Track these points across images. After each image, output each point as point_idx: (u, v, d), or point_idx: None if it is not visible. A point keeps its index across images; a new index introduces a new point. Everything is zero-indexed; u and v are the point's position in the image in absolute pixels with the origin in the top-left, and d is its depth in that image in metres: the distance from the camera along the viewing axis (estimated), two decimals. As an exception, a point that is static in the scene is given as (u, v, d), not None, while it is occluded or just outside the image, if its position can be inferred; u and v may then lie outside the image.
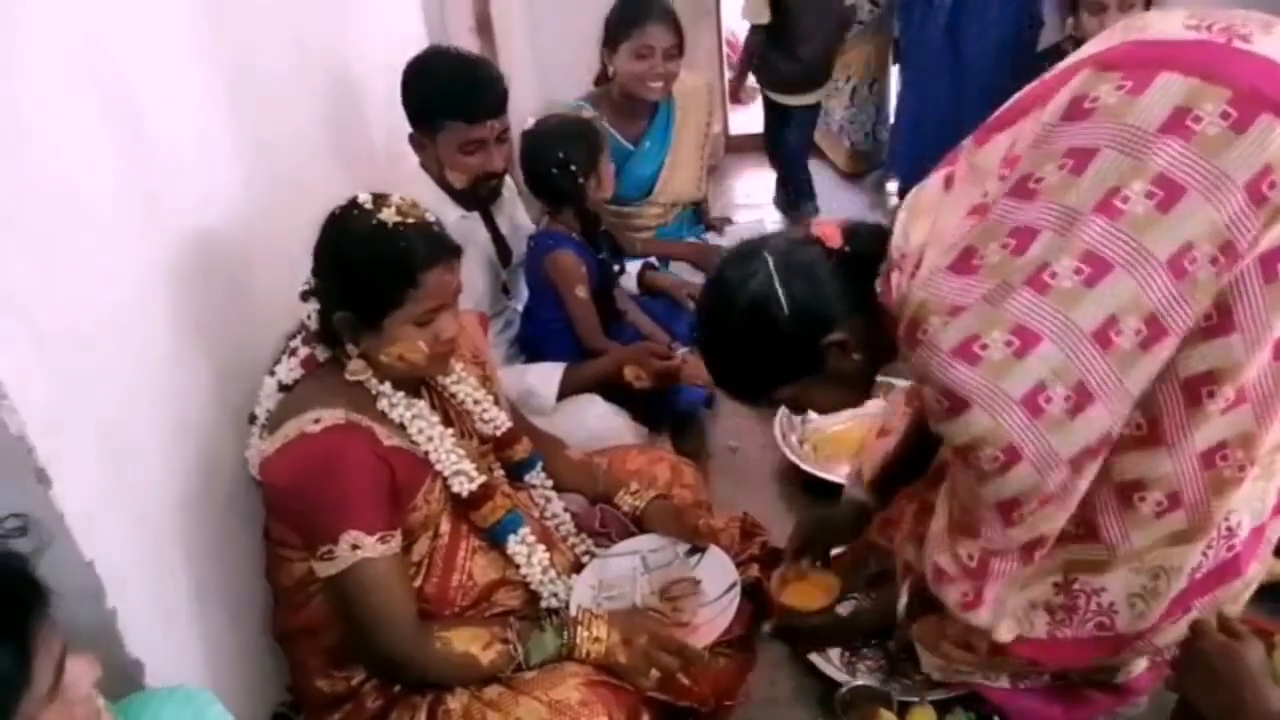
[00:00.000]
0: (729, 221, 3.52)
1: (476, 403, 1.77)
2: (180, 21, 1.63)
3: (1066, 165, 1.23)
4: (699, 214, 3.39)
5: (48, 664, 0.88)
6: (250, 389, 1.65)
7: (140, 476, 1.45)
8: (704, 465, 2.40)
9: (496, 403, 1.82)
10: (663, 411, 2.53)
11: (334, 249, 1.54)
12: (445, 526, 1.64)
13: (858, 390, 1.56)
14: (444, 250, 1.53)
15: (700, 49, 3.97)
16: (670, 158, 3.16)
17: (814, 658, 1.81)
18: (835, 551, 1.97)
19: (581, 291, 2.49)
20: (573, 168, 2.46)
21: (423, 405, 1.63)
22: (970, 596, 1.45)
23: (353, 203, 1.54)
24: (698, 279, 3.03)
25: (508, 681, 1.56)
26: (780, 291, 1.39)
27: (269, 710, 1.77)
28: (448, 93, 2.15)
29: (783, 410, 2.39)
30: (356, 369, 1.57)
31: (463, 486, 1.63)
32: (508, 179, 2.45)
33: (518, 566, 1.70)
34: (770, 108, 3.87)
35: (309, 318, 1.61)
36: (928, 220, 1.36)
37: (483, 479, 1.66)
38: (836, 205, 4.04)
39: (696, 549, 1.86)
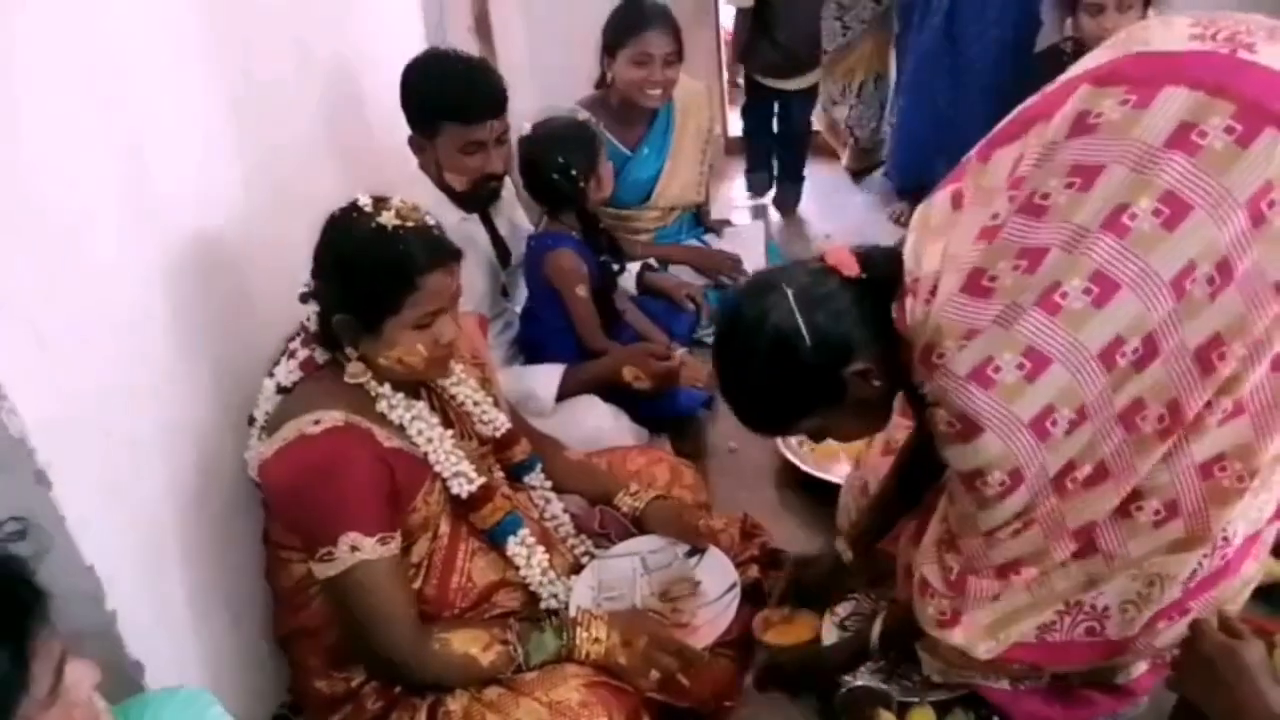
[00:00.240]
0: (728, 223, 3.52)
1: (476, 404, 1.77)
2: (180, 23, 1.63)
3: (1074, 183, 1.23)
4: (698, 216, 3.39)
5: (46, 667, 0.88)
6: (250, 391, 1.65)
7: (140, 478, 1.45)
8: (703, 466, 2.39)
9: (496, 404, 1.82)
10: (662, 412, 2.52)
11: (334, 252, 1.54)
12: (445, 528, 1.64)
13: (879, 417, 1.55)
14: (443, 254, 1.53)
15: (699, 51, 3.97)
16: (669, 163, 3.15)
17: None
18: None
19: (582, 291, 2.49)
20: (573, 172, 2.46)
21: (422, 407, 1.63)
22: (947, 615, 1.46)
23: (353, 205, 1.54)
24: (698, 280, 3.04)
25: (508, 683, 1.56)
26: (802, 324, 1.36)
27: (269, 712, 1.77)
28: (447, 94, 2.15)
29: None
30: (356, 371, 1.57)
31: (462, 488, 1.63)
32: (506, 180, 2.44)
33: (517, 568, 1.71)
34: (757, 92, 3.91)
35: (308, 320, 1.61)
36: (939, 244, 1.35)
37: (482, 480, 1.66)
38: (839, 205, 4.06)
39: (696, 550, 1.86)
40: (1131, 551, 1.37)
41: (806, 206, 4.09)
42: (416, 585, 1.61)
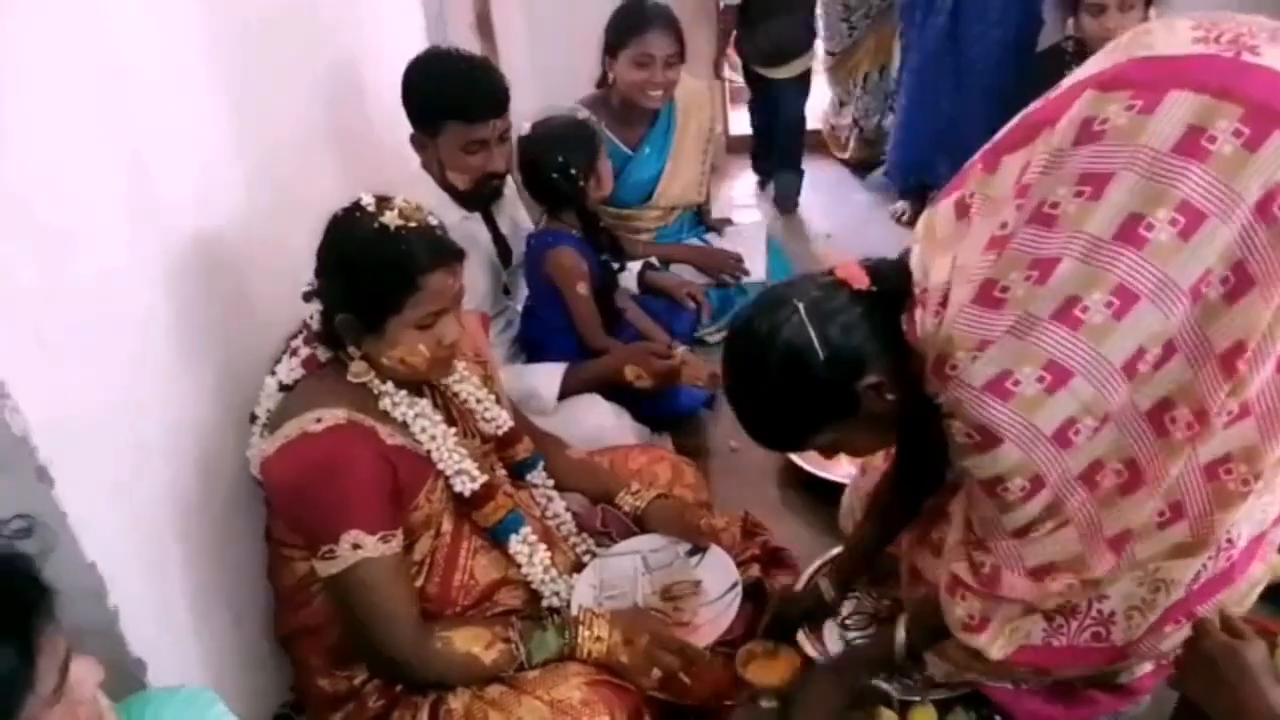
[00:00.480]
0: (729, 222, 3.52)
1: (479, 402, 1.77)
2: (182, 24, 1.63)
3: (1084, 192, 1.22)
4: (700, 215, 3.39)
5: (52, 665, 0.88)
6: (251, 389, 1.65)
7: (142, 476, 1.45)
8: (705, 465, 2.39)
9: (498, 402, 1.82)
10: (663, 411, 2.52)
11: (336, 251, 1.54)
12: (447, 526, 1.64)
13: (890, 431, 1.53)
14: (446, 254, 1.53)
15: (700, 51, 3.97)
16: (671, 162, 3.15)
17: (814, 657, 1.81)
18: (831, 555, 1.99)
19: (582, 288, 2.49)
20: (572, 170, 2.46)
21: (425, 404, 1.63)
22: (976, 620, 1.45)
23: (356, 205, 1.54)
24: (699, 279, 3.04)
25: (509, 681, 1.56)
26: (814, 338, 1.35)
27: (271, 710, 1.77)
28: (449, 93, 2.15)
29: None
30: (359, 371, 1.57)
31: (464, 486, 1.63)
32: (508, 179, 2.44)
33: (519, 566, 1.71)
34: (753, 82, 3.95)
35: (310, 318, 1.61)
36: (947, 256, 1.34)
37: (484, 478, 1.66)
38: (840, 204, 4.06)
39: (697, 549, 1.86)
40: (1138, 554, 1.36)
41: (807, 206, 4.09)
42: (419, 583, 1.61)
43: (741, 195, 4.24)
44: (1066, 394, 1.22)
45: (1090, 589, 1.41)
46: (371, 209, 1.52)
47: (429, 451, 1.61)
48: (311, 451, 1.48)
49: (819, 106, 4.54)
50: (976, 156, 1.42)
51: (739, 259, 3.09)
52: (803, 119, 4.07)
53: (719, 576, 1.80)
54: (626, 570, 1.82)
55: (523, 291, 2.65)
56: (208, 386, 1.63)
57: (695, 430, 2.62)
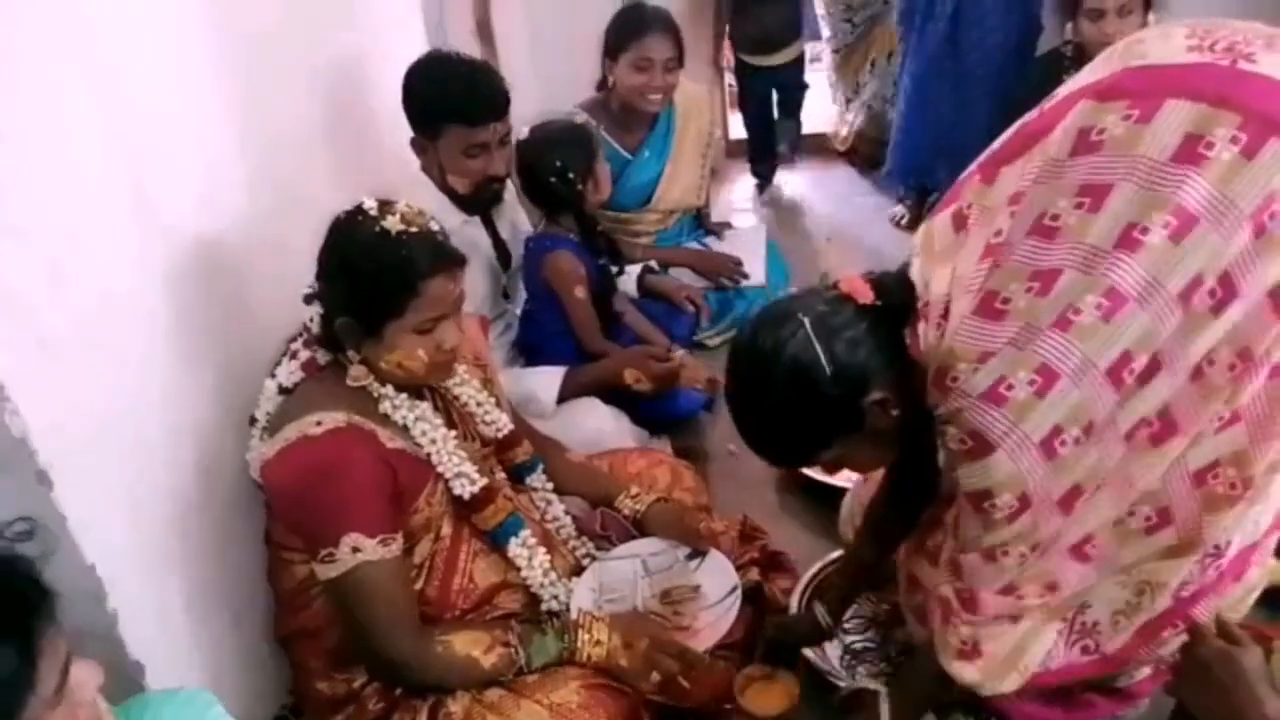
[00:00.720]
0: (728, 226, 3.53)
1: (479, 405, 1.77)
2: (183, 27, 1.63)
3: (1084, 203, 1.22)
4: (699, 219, 3.39)
5: (53, 667, 0.88)
6: (251, 391, 1.65)
7: (141, 479, 1.45)
8: (704, 468, 2.39)
9: (498, 405, 1.82)
10: (662, 414, 2.52)
11: (337, 255, 1.54)
12: (447, 529, 1.64)
13: (893, 446, 1.51)
14: (446, 260, 1.53)
15: (701, 55, 3.98)
16: (670, 166, 3.16)
17: (814, 659, 1.81)
18: (828, 561, 1.99)
19: (580, 292, 2.49)
20: (570, 175, 2.46)
21: (426, 407, 1.63)
22: (969, 646, 1.45)
23: (358, 208, 1.54)
24: (698, 283, 3.04)
25: (508, 684, 1.56)
26: (821, 354, 1.33)
27: (270, 713, 1.77)
28: (450, 96, 2.15)
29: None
30: (358, 374, 1.57)
31: (464, 489, 1.64)
32: (508, 183, 2.45)
33: (519, 569, 1.71)
34: (742, 71, 4.03)
35: (310, 320, 1.61)
36: (947, 268, 1.34)
37: (484, 481, 1.66)
38: (840, 207, 4.06)
39: (697, 552, 1.86)
40: (1123, 558, 1.36)
41: (807, 209, 4.10)
42: (418, 586, 1.61)
43: (741, 199, 4.24)
44: (1055, 396, 1.22)
45: (1070, 602, 1.41)
46: (373, 213, 1.52)
47: (429, 455, 1.61)
48: (311, 454, 1.48)
49: (819, 109, 4.57)
50: (974, 167, 1.42)
51: (738, 262, 3.09)
52: (803, 84, 4.15)
53: (718, 580, 1.80)
54: (626, 574, 1.82)
55: (522, 295, 2.65)
56: (207, 389, 1.63)
57: (694, 433, 2.62)
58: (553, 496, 1.90)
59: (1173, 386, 1.22)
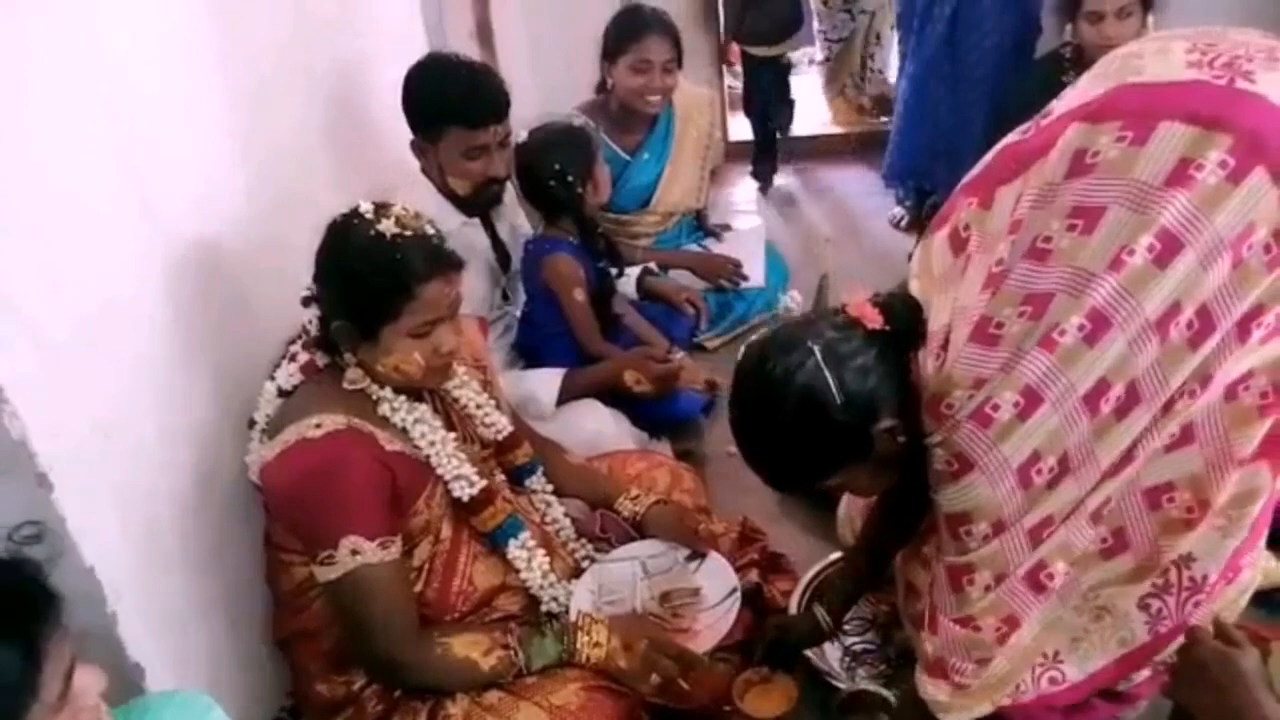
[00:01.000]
0: (727, 228, 3.52)
1: (479, 407, 1.77)
2: (183, 29, 1.63)
3: (1076, 226, 1.22)
4: (699, 221, 3.40)
5: (57, 671, 0.88)
6: (250, 394, 1.65)
7: (140, 481, 1.45)
8: (703, 470, 2.39)
9: (498, 407, 1.82)
10: (662, 416, 2.52)
11: (333, 258, 1.54)
12: (446, 531, 1.64)
13: (896, 472, 1.49)
14: (442, 263, 1.53)
15: (700, 56, 3.99)
16: (669, 168, 3.16)
17: (814, 661, 1.81)
18: (827, 562, 1.99)
19: (579, 295, 2.49)
20: (569, 177, 2.46)
21: (425, 410, 1.63)
22: (933, 662, 1.45)
23: (354, 212, 1.54)
24: (698, 285, 3.04)
25: (508, 686, 1.57)
26: (831, 384, 1.31)
27: (269, 714, 1.77)
28: (449, 98, 2.16)
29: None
30: (355, 377, 1.57)
31: (463, 491, 1.64)
32: (508, 185, 2.45)
33: (518, 571, 1.71)
34: (749, 63, 4.12)
35: (310, 323, 1.61)
36: (947, 296, 1.35)
37: (483, 484, 1.66)
38: (838, 209, 4.06)
39: (696, 554, 1.86)
40: (1082, 582, 1.37)
41: (806, 211, 4.10)
42: (418, 588, 1.61)
43: (741, 200, 4.24)
44: (1035, 421, 1.23)
45: (1036, 644, 1.41)
46: (369, 216, 1.52)
47: (428, 457, 1.61)
48: (311, 457, 1.49)
49: (818, 109, 4.63)
50: (968, 182, 1.41)
51: (737, 264, 3.09)
52: (787, 85, 4.31)
53: (718, 582, 1.80)
54: (625, 576, 1.82)
55: (521, 297, 2.65)
56: (207, 391, 1.63)
57: (694, 435, 2.62)
58: (552, 499, 1.90)
59: (1146, 421, 1.24)
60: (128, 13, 1.48)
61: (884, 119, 4.39)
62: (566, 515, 1.91)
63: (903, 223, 3.78)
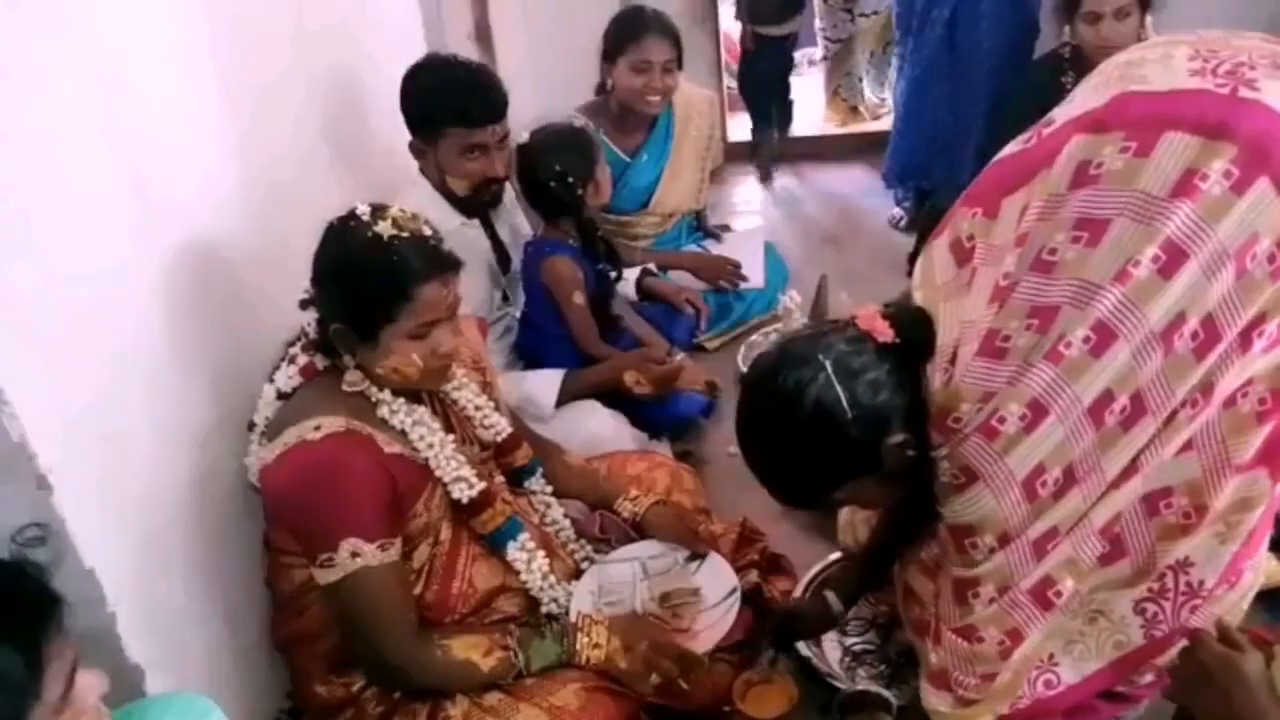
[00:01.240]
0: (727, 229, 3.53)
1: (478, 409, 1.77)
2: (181, 29, 1.63)
3: (1081, 238, 1.23)
4: (698, 222, 3.40)
5: (59, 674, 0.89)
6: (249, 396, 1.65)
7: (140, 483, 1.45)
8: (703, 471, 2.39)
9: (497, 409, 1.82)
10: (662, 417, 2.52)
11: (330, 260, 1.54)
12: (446, 533, 1.64)
13: (903, 485, 1.48)
14: (439, 264, 1.53)
15: (700, 57, 3.99)
16: (669, 169, 3.16)
17: (814, 661, 1.81)
18: (828, 562, 1.99)
19: (578, 298, 2.49)
20: (570, 179, 2.46)
21: (424, 412, 1.63)
22: (935, 670, 1.46)
23: (351, 214, 1.54)
24: (698, 286, 3.04)
25: (507, 688, 1.57)
26: (843, 398, 1.31)
27: (269, 716, 1.77)
28: (447, 98, 2.16)
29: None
30: (354, 380, 1.57)
31: (463, 493, 1.63)
32: (507, 185, 2.45)
33: (518, 573, 1.70)
34: (754, 41, 4.22)
35: (308, 325, 1.61)
36: (952, 309, 1.35)
37: (483, 485, 1.66)
38: (838, 210, 4.06)
39: (696, 555, 1.86)
40: (1080, 591, 1.37)
41: (806, 211, 4.10)
42: (417, 590, 1.61)
43: (740, 202, 4.25)
44: (1041, 434, 1.23)
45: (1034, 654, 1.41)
46: (366, 218, 1.52)
47: (427, 459, 1.61)
48: (310, 459, 1.48)
49: (816, 109, 4.65)
50: (968, 192, 1.41)
51: (737, 266, 3.09)
52: (792, 61, 4.48)
53: (718, 583, 1.80)
54: (625, 576, 1.82)
55: (521, 298, 2.65)
56: (206, 393, 1.63)
57: (693, 436, 2.62)
58: (552, 500, 1.90)
59: (1152, 432, 1.24)
60: (125, 13, 1.48)
61: (876, 121, 4.49)
62: (566, 516, 1.91)
63: (901, 223, 3.78)
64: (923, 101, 3.49)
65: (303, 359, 1.62)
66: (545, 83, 3.41)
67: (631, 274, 2.88)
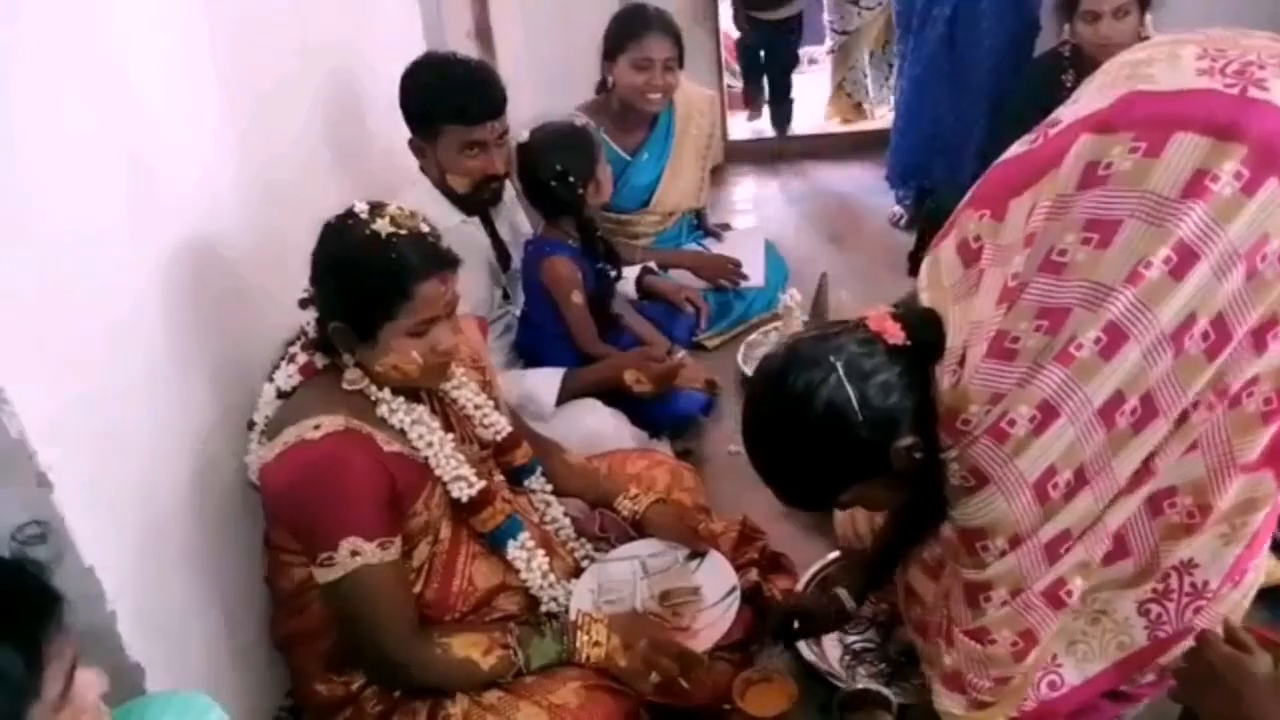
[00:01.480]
0: (727, 227, 3.53)
1: (477, 408, 1.77)
2: (181, 29, 1.63)
3: (1092, 239, 1.22)
4: (698, 220, 3.40)
5: (58, 672, 0.89)
6: (249, 395, 1.65)
7: (139, 481, 1.45)
8: (703, 469, 2.39)
9: (497, 408, 1.82)
10: (662, 416, 2.52)
11: (328, 258, 1.54)
12: (445, 532, 1.64)
13: (909, 488, 1.47)
14: (438, 262, 1.53)
15: (701, 56, 3.99)
16: (669, 168, 3.16)
17: (814, 660, 1.81)
18: (828, 560, 1.99)
19: (577, 297, 2.49)
20: (571, 178, 2.46)
21: (423, 411, 1.63)
22: (949, 672, 1.45)
23: (349, 212, 1.54)
24: (698, 284, 3.04)
25: (507, 686, 1.57)
26: (854, 399, 1.30)
27: (269, 714, 1.77)
28: (446, 95, 2.16)
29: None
30: (353, 378, 1.57)
31: (462, 492, 1.63)
32: (507, 183, 2.45)
33: (517, 571, 1.70)
34: (752, 27, 4.43)
35: (308, 324, 1.61)
36: (960, 310, 1.34)
37: (482, 484, 1.66)
38: (838, 209, 4.06)
39: (696, 553, 1.86)
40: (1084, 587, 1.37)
41: (806, 210, 4.10)
42: (417, 589, 1.61)
43: (741, 200, 4.25)
44: (1051, 435, 1.23)
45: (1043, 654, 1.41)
46: (364, 216, 1.52)
47: (427, 458, 1.61)
48: (310, 458, 1.48)
49: (817, 108, 4.70)
50: (974, 194, 1.40)
51: (737, 264, 3.09)
52: (796, 56, 4.69)
53: (717, 581, 1.80)
54: (625, 575, 1.82)
55: (521, 297, 2.65)
56: (206, 392, 1.63)
57: (694, 435, 2.62)
58: (552, 498, 1.89)
59: (1164, 434, 1.24)
60: (126, 12, 1.48)
61: (877, 120, 4.52)
62: (566, 515, 1.91)
63: (902, 221, 3.78)
64: (923, 100, 3.49)
65: (302, 358, 1.62)
66: (545, 81, 3.41)
67: (631, 272, 2.88)
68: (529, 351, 2.60)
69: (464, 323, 1.69)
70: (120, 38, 1.46)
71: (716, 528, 2.00)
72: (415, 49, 2.44)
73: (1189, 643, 1.32)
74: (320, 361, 1.61)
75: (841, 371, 1.31)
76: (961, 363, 1.31)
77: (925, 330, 1.37)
